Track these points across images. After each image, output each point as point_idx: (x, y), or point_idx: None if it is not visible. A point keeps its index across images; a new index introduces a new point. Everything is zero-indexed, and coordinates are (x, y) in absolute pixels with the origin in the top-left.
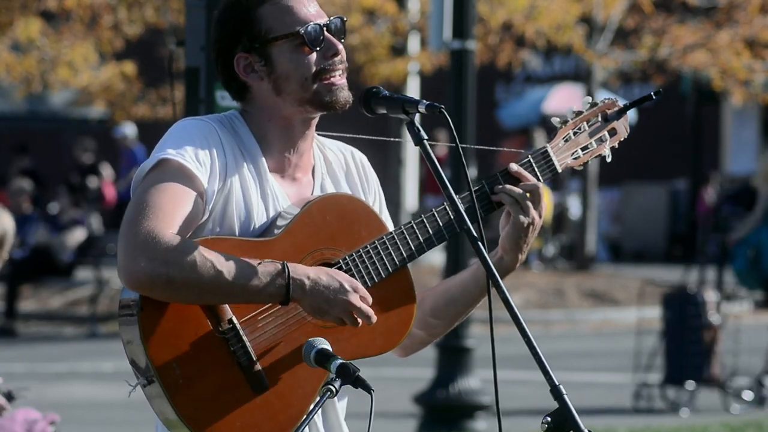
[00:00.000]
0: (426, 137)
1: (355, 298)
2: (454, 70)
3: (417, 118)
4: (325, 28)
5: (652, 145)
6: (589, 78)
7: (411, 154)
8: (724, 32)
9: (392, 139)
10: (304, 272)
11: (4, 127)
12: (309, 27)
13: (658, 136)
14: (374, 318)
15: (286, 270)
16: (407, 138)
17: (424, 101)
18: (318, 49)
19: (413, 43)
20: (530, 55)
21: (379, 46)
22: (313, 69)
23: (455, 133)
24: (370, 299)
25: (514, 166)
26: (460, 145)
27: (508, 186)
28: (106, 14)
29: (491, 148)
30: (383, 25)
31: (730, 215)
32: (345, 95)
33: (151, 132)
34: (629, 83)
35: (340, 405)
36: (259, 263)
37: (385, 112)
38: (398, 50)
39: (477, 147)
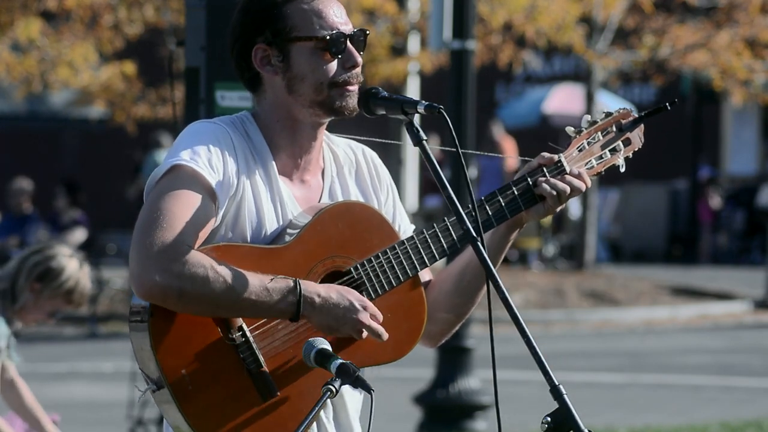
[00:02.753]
0: (425, 138)
1: (365, 317)
2: (454, 70)
3: (417, 119)
4: (348, 39)
5: (652, 145)
6: (589, 78)
7: (411, 154)
8: (724, 32)
9: (394, 141)
10: (315, 290)
11: (4, 127)
12: (335, 34)
13: (658, 136)
14: (385, 335)
15: (298, 287)
16: (407, 138)
17: (423, 102)
18: (339, 57)
19: (413, 43)
20: (530, 55)
21: (379, 46)
22: (330, 77)
23: (454, 134)
24: (380, 316)
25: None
26: (461, 151)
27: (552, 180)
28: (106, 14)
29: (495, 155)
30: (383, 25)
31: (730, 215)
32: (354, 102)
33: (151, 132)
34: (629, 83)
35: (351, 402)
36: (272, 279)
37: (384, 112)
38: (398, 50)
39: (481, 153)
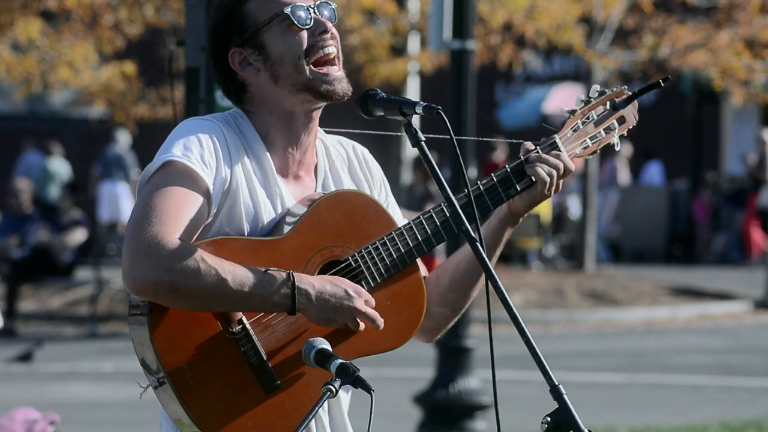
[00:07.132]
0: (423, 138)
1: (360, 304)
2: (454, 70)
3: (416, 120)
4: (311, 9)
5: (652, 145)
6: (589, 78)
7: (411, 154)
8: (724, 32)
9: (394, 133)
10: (308, 281)
11: (4, 127)
12: (293, 6)
13: (658, 136)
14: (380, 321)
15: (291, 279)
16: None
17: (422, 102)
18: (307, 28)
19: (413, 43)
20: (530, 55)
21: (379, 46)
22: (304, 46)
23: (453, 134)
24: (373, 302)
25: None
26: (455, 137)
27: (545, 156)
28: (106, 14)
29: (489, 139)
30: (383, 25)
31: (730, 215)
32: (344, 86)
33: (151, 132)
34: (629, 83)
35: (345, 400)
36: (266, 271)
37: (382, 114)
38: (398, 50)
39: (475, 139)
